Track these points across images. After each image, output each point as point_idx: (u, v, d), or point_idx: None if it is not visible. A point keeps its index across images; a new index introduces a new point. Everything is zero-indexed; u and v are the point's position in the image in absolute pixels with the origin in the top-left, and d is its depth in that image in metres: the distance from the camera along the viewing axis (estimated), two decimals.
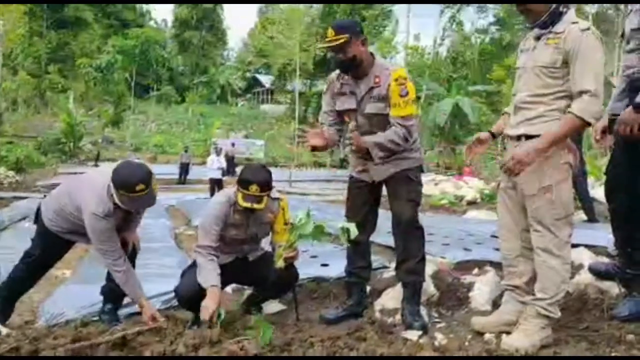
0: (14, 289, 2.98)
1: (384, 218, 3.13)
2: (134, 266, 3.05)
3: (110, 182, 2.70)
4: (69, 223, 2.87)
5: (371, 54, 2.90)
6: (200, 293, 2.76)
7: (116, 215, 2.78)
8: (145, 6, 51.75)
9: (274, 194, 2.96)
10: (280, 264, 2.78)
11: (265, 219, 2.96)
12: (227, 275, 2.93)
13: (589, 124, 2.36)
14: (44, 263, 3.02)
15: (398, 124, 2.76)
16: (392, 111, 2.78)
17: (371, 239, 3.17)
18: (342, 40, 2.73)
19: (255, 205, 2.77)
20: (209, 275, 2.78)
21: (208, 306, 2.65)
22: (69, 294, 3.34)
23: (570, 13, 2.41)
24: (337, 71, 2.95)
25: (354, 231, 2.67)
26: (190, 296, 2.83)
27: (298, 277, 3.09)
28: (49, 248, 2.95)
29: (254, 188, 2.74)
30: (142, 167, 2.81)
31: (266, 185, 2.79)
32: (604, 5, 26.06)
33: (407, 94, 2.76)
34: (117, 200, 2.70)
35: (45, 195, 3.26)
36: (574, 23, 2.37)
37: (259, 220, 2.95)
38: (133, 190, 2.63)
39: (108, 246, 2.77)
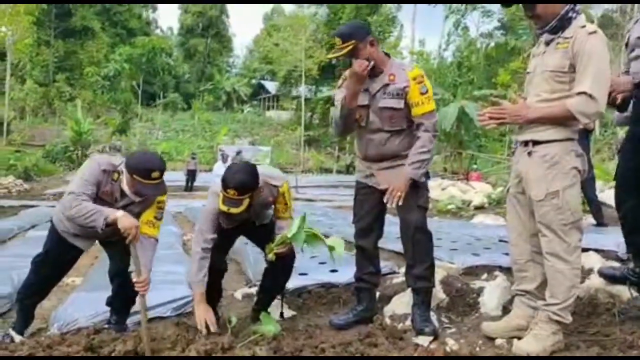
0: (27, 294, 3.01)
1: (393, 224, 3.13)
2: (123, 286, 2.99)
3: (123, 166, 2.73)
4: (73, 225, 2.85)
5: (386, 53, 2.94)
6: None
7: (106, 189, 2.77)
8: (151, 14, 52.25)
9: (272, 181, 2.94)
10: (271, 257, 2.79)
11: (265, 201, 2.97)
12: (236, 231, 3.00)
13: (576, 120, 2.36)
14: (52, 267, 2.98)
15: (423, 123, 2.82)
16: (414, 110, 2.82)
17: (380, 244, 3.17)
18: (350, 47, 2.77)
19: (233, 210, 2.72)
20: (196, 279, 2.83)
21: (200, 316, 2.72)
22: (81, 302, 3.36)
23: (580, 18, 2.41)
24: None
25: (340, 251, 2.68)
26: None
27: (295, 257, 3.07)
28: (54, 249, 2.95)
29: (231, 192, 2.69)
30: (159, 156, 2.89)
31: (245, 190, 2.70)
32: (609, 8, 26.01)
33: (426, 91, 2.83)
34: (124, 185, 2.76)
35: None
36: (582, 27, 2.38)
37: (260, 203, 2.95)
38: (148, 177, 2.66)
39: (77, 187, 2.70)
